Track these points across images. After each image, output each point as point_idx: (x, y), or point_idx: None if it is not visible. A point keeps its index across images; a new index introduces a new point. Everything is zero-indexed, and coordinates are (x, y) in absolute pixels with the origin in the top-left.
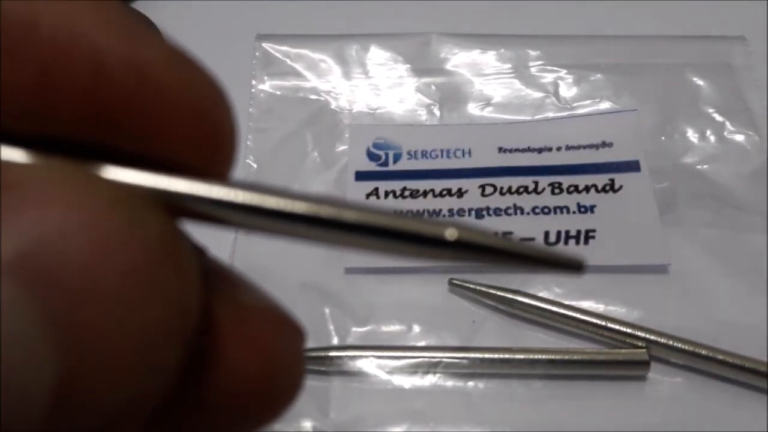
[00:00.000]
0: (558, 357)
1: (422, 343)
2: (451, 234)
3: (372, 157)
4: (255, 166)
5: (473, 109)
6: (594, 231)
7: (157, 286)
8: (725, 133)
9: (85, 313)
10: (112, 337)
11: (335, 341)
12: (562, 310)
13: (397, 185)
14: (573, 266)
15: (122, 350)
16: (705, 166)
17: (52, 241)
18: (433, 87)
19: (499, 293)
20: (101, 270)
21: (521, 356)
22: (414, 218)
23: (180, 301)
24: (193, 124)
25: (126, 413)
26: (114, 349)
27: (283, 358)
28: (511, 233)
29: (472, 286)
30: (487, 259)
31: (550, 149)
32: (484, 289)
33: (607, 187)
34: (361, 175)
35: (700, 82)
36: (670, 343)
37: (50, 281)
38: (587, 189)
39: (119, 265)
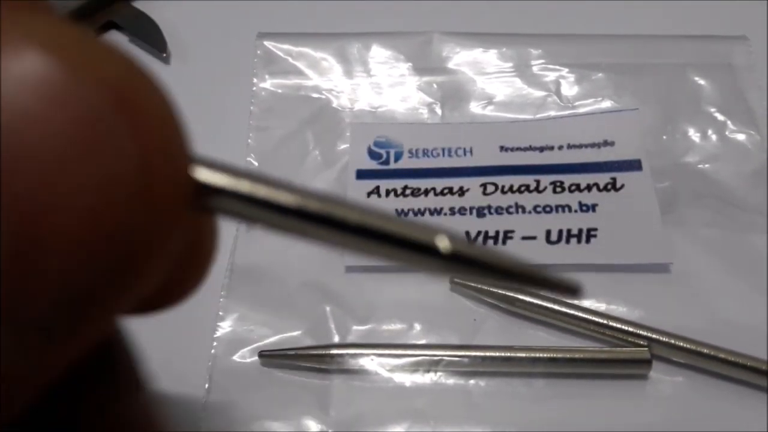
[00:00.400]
0: (559, 355)
1: (423, 342)
2: (444, 246)
3: (373, 155)
4: (256, 164)
5: (475, 107)
6: (595, 230)
7: (107, 140)
8: (727, 133)
9: (30, 171)
10: (63, 192)
11: (336, 339)
12: (563, 309)
13: (398, 184)
14: (570, 290)
15: (76, 211)
16: (706, 166)
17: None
18: (435, 86)
19: (500, 291)
20: (48, 118)
21: (522, 354)
22: (411, 224)
23: (140, 156)
24: None
25: (92, 297)
26: (67, 209)
27: None
28: (512, 233)
29: (473, 284)
30: (481, 274)
31: (551, 148)
32: (485, 287)
33: (609, 186)
34: (362, 174)
35: (702, 82)
36: (672, 341)
37: None
38: (589, 188)
39: (61, 121)
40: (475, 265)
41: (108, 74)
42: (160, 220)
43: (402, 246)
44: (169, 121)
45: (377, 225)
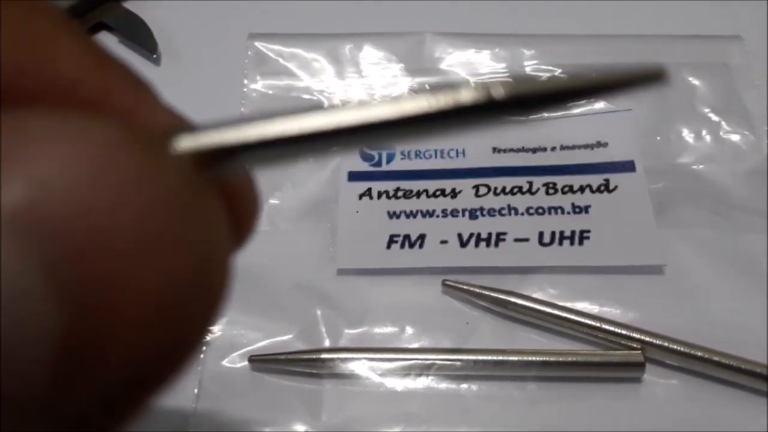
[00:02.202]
0: (552, 359)
1: (415, 345)
2: (497, 92)
3: (365, 157)
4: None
5: None
6: (589, 231)
7: (176, 237)
8: (721, 133)
9: (92, 265)
10: (126, 289)
11: (327, 343)
12: (556, 312)
13: (390, 185)
14: (655, 75)
15: (141, 304)
16: (701, 166)
17: (56, 186)
18: (427, 86)
19: (492, 294)
20: (109, 219)
21: (515, 358)
22: (449, 89)
23: (205, 251)
24: None
25: (149, 377)
26: (130, 302)
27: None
28: (504, 234)
29: (465, 287)
30: (553, 104)
31: (544, 149)
32: (477, 290)
33: (602, 188)
34: (354, 176)
35: (696, 82)
36: (666, 344)
37: (52, 231)
38: (582, 189)
39: (129, 214)
40: (539, 101)
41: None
42: (213, 309)
43: (453, 115)
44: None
45: (413, 110)
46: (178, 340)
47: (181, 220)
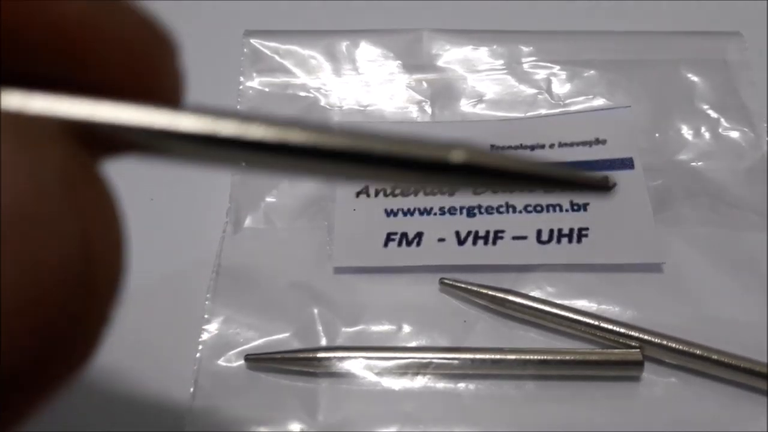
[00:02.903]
0: (550, 357)
1: (412, 344)
2: (457, 156)
3: None
4: (243, 163)
5: (465, 105)
6: (587, 229)
7: (49, 224)
8: (720, 130)
9: None
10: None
11: (324, 342)
12: (554, 310)
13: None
14: (602, 186)
15: (7, 293)
16: (700, 164)
17: None
18: (425, 84)
19: (490, 293)
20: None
21: (513, 357)
22: (413, 142)
23: (82, 242)
24: (118, 50)
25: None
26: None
27: None
28: (502, 232)
29: (463, 285)
30: (501, 183)
31: (543, 146)
32: (475, 288)
33: None
34: None
35: (695, 79)
36: (664, 343)
37: None
38: None
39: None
40: (491, 174)
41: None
42: (99, 307)
43: (406, 166)
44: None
45: (374, 147)
46: (50, 340)
47: (49, 206)
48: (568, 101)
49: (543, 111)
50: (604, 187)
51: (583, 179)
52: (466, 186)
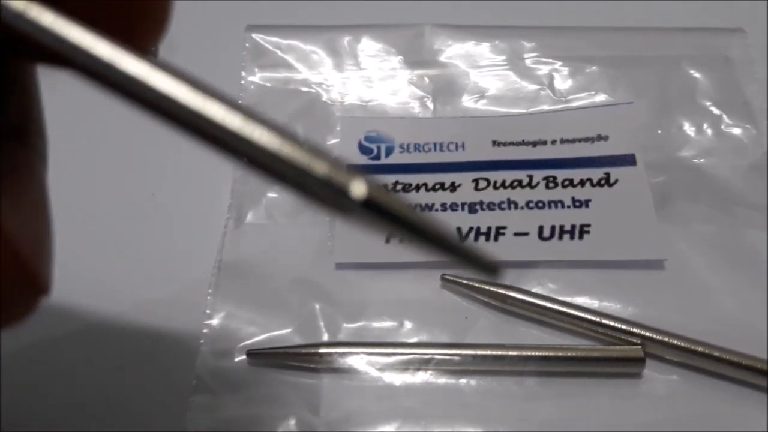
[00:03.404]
0: (551, 354)
1: (414, 340)
2: (358, 191)
3: (364, 150)
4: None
5: (467, 101)
6: (589, 225)
7: None
8: (722, 127)
9: None
10: None
11: (325, 338)
12: (556, 306)
13: (389, 179)
14: (488, 268)
15: None
16: (702, 160)
17: None
18: (427, 79)
19: (492, 289)
20: None
21: (514, 353)
22: (328, 161)
23: None
24: None
25: None
26: None
27: None
28: (504, 229)
29: (464, 281)
30: (394, 230)
31: (544, 143)
32: (476, 284)
33: (603, 181)
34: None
35: (697, 75)
36: (666, 339)
37: None
38: (582, 183)
39: None
40: (388, 219)
41: None
42: None
43: (309, 185)
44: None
45: (287, 153)
46: None
47: None
48: (570, 97)
49: (545, 107)
50: (491, 268)
51: (470, 254)
52: (358, 221)
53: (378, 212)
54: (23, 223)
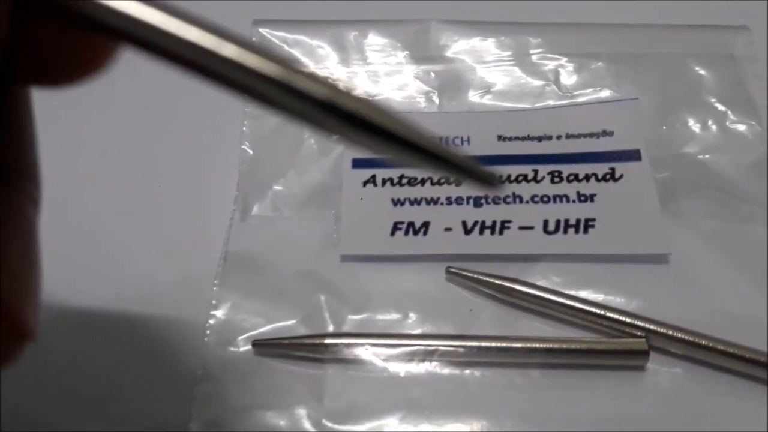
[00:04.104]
0: (556, 346)
1: (418, 332)
2: (323, 93)
3: None
4: (251, 152)
5: (473, 96)
6: (594, 220)
7: None
8: (727, 123)
9: None
10: None
11: (330, 329)
12: (560, 299)
13: (394, 173)
14: (486, 180)
15: None
16: (706, 156)
17: None
18: (432, 74)
19: (496, 282)
20: None
21: (519, 345)
22: (304, 73)
23: None
24: None
25: None
26: None
27: None
28: (509, 222)
29: (469, 274)
30: (375, 143)
31: (550, 138)
32: (481, 277)
33: (608, 176)
34: (358, 163)
35: (702, 72)
36: (670, 333)
37: None
38: (587, 178)
39: None
40: (363, 127)
41: None
42: None
43: (283, 90)
44: None
45: (262, 66)
46: None
47: None
48: (575, 93)
49: (551, 102)
50: (489, 181)
51: (466, 166)
52: (327, 128)
53: (349, 121)
54: (10, 269)
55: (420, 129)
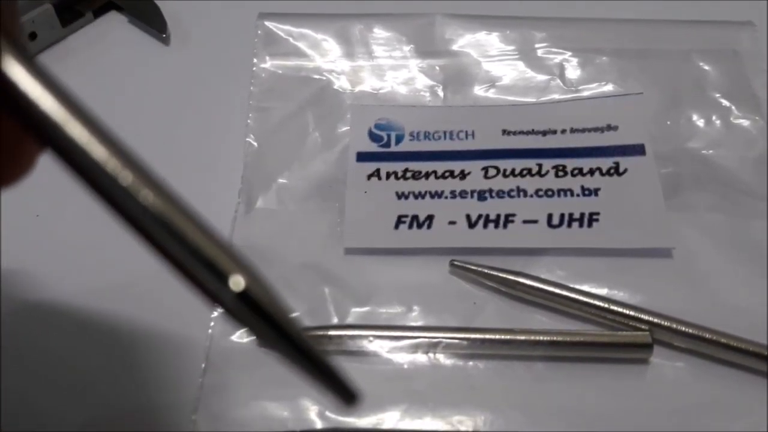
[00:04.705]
0: (560, 339)
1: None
2: (235, 283)
3: (374, 137)
4: (255, 145)
5: (477, 90)
6: (598, 214)
7: None
8: (731, 119)
9: None
10: None
11: (335, 321)
12: (564, 293)
13: (399, 167)
14: (346, 395)
15: None
16: (710, 151)
17: None
18: (437, 68)
19: (501, 275)
20: None
21: (523, 337)
22: (217, 246)
23: None
24: None
25: None
26: None
27: None
28: (513, 216)
29: (473, 267)
30: (262, 333)
31: (554, 132)
32: (486, 270)
33: (612, 171)
34: (362, 156)
35: (707, 67)
36: (674, 326)
37: None
38: (591, 172)
39: None
40: (259, 319)
41: None
42: None
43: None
44: None
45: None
46: None
47: None
48: (580, 87)
49: (555, 97)
50: (350, 396)
51: (336, 379)
52: (233, 316)
53: (253, 309)
54: None
55: (307, 339)
